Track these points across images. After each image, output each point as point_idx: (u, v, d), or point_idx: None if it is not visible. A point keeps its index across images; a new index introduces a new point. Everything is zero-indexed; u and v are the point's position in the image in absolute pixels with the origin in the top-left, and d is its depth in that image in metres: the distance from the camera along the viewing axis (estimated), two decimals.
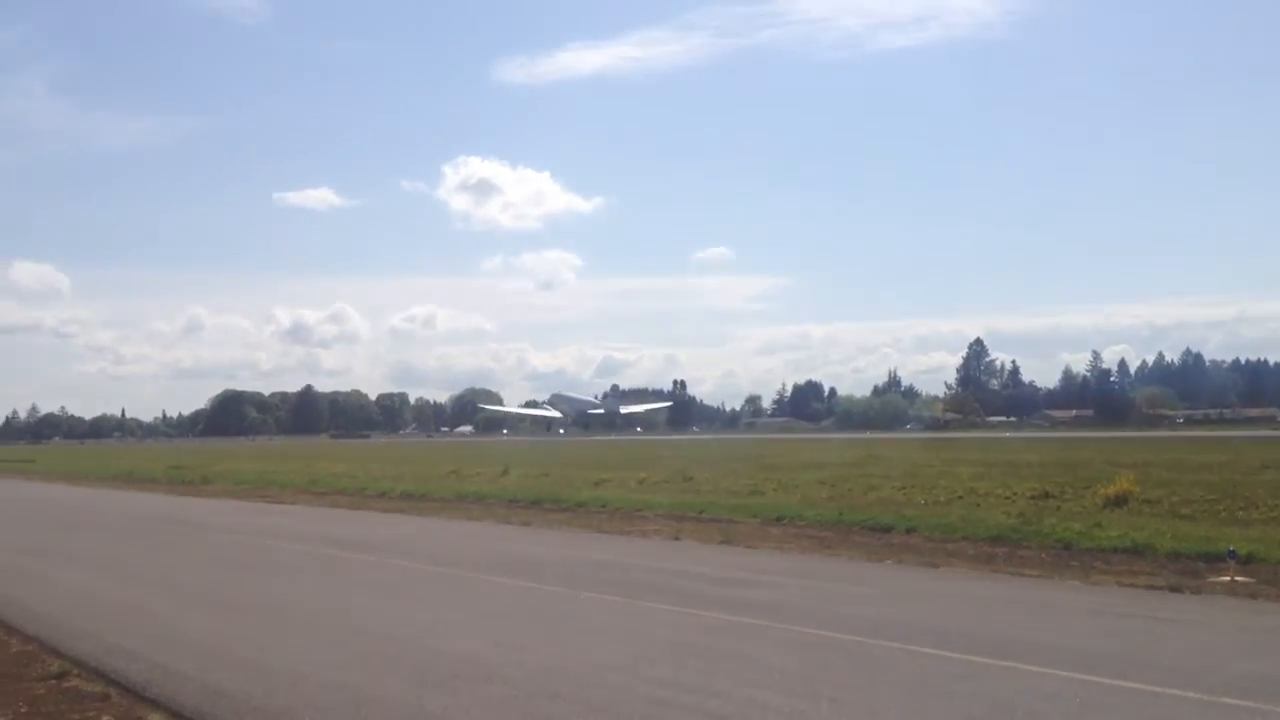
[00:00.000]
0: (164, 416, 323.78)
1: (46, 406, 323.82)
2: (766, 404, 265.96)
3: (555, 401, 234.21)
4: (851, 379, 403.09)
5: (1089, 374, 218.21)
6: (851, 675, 9.96)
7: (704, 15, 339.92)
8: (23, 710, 9.65)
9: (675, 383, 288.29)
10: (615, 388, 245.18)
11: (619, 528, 24.69)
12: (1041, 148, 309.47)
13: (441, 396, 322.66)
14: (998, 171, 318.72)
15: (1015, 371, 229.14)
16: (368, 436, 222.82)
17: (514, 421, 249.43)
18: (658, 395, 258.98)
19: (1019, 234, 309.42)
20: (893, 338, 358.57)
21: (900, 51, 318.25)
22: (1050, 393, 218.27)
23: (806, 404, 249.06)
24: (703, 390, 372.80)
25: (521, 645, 11.59)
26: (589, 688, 9.71)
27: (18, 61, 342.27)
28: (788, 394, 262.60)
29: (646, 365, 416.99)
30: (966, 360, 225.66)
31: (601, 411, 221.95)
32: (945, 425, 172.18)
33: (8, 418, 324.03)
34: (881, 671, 10.10)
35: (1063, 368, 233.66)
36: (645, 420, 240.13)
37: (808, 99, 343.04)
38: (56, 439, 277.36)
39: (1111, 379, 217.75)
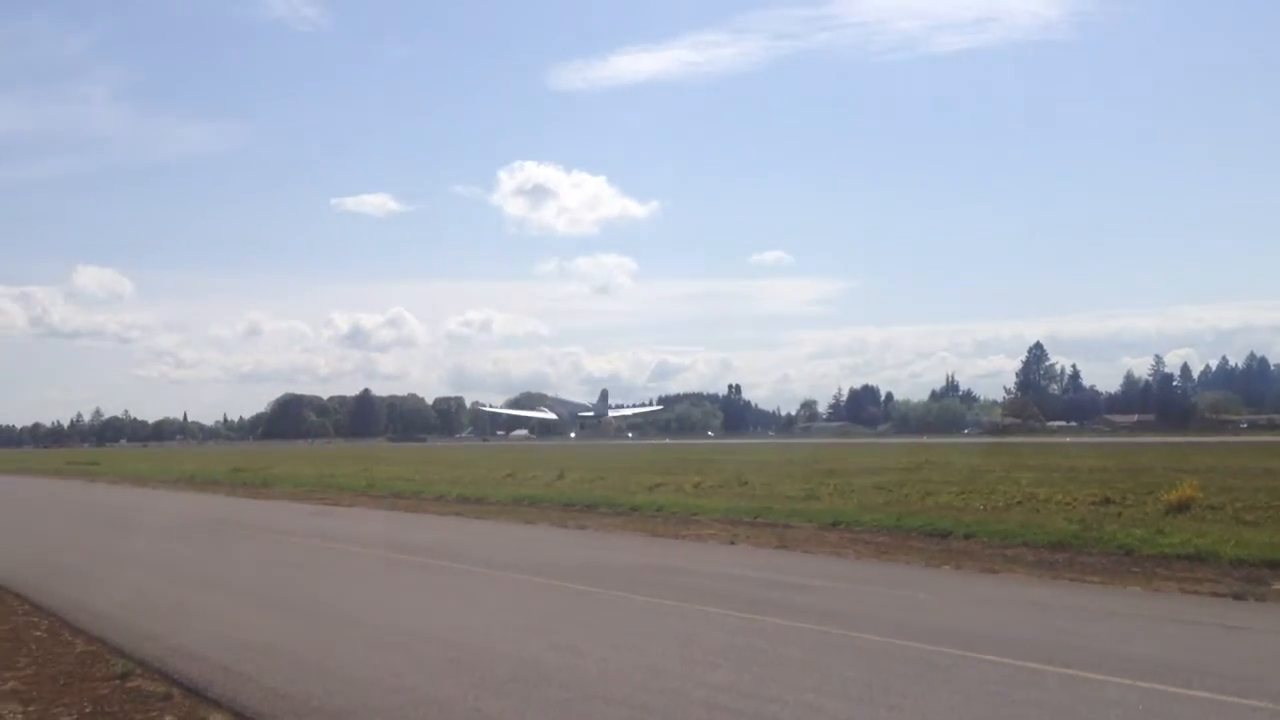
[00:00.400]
0: (225, 420, 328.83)
1: (110, 410, 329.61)
2: (822, 408, 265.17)
3: (551, 404, 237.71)
4: (908, 383, 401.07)
5: (1151, 378, 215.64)
6: (910, 682, 9.87)
7: (759, 18, 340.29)
8: (88, 710, 9.79)
9: (730, 386, 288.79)
10: (604, 394, 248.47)
11: (674, 531, 24.66)
12: (1103, 149, 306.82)
13: (497, 400, 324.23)
14: (1058, 173, 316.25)
15: (1076, 376, 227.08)
16: (424, 440, 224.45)
17: (563, 425, 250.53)
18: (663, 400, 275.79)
19: (1080, 236, 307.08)
20: (950, 341, 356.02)
21: (959, 53, 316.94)
22: (1111, 397, 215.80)
23: (863, 408, 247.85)
24: (758, 394, 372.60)
25: (577, 649, 11.61)
26: (645, 692, 9.70)
27: (82, 68, 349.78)
28: (844, 398, 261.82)
29: (701, 369, 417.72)
30: (1026, 364, 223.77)
31: (591, 414, 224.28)
32: (1004, 430, 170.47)
33: (72, 421, 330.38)
34: (941, 678, 10.01)
35: (1124, 372, 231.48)
36: (702, 423, 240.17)
37: (865, 101, 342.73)
38: (123, 441, 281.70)
39: (1174, 383, 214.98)
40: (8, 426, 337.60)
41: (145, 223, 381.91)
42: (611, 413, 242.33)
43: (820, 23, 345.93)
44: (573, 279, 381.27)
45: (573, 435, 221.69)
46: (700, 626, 12.80)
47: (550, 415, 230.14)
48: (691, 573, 17.70)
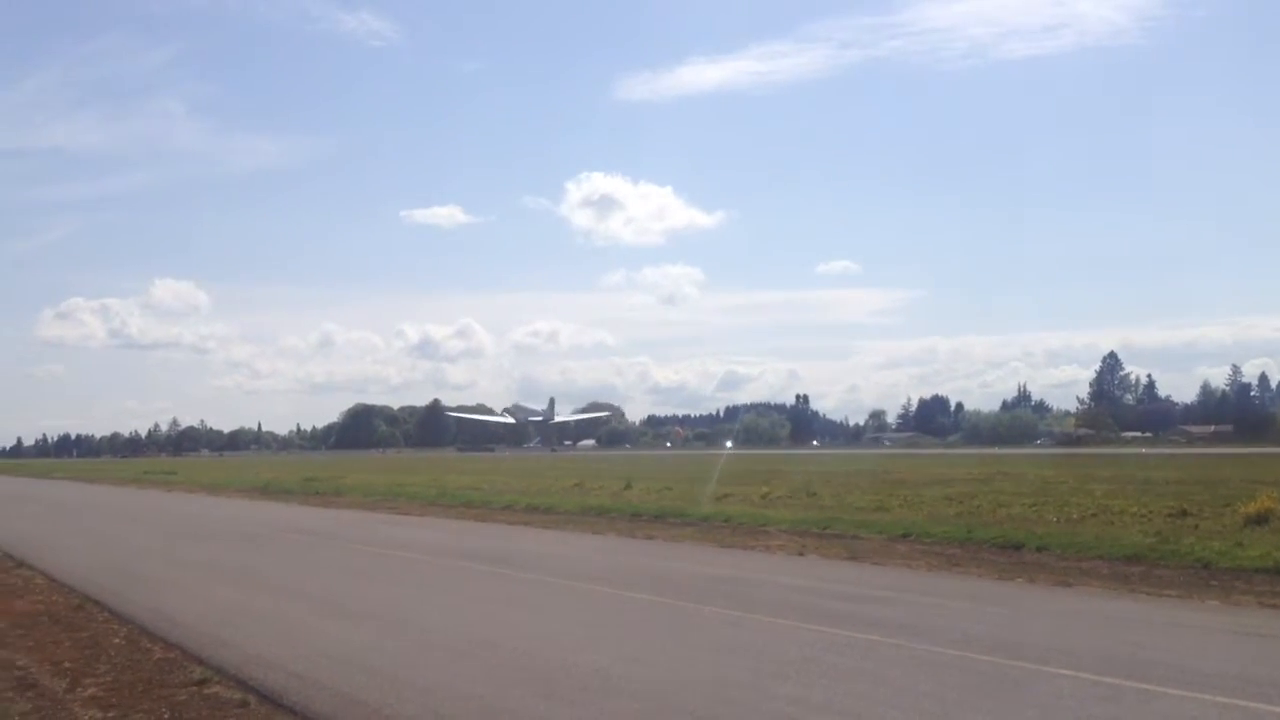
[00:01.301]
0: (298, 429, 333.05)
1: (186, 420, 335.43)
2: (891, 419, 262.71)
3: (513, 411, 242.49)
4: (979, 393, 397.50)
5: (1228, 388, 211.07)
6: (984, 696, 9.75)
7: (826, 27, 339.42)
8: (165, 716, 9.95)
9: (797, 396, 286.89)
10: (551, 401, 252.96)
11: (743, 542, 24.57)
12: (1177, 156, 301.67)
13: (565, 411, 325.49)
14: (1131, 181, 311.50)
15: (1151, 386, 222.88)
16: (492, 450, 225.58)
17: (637, 436, 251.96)
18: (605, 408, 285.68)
19: (1154, 244, 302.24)
20: (1022, 351, 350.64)
21: (1030, 60, 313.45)
22: (1187, 408, 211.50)
23: (932, 419, 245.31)
24: (825, 405, 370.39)
25: (647, 659, 11.61)
26: (715, 703, 9.67)
27: (160, 84, 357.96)
28: (913, 408, 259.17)
29: (769, 379, 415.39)
30: (1100, 374, 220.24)
31: (540, 419, 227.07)
32: (1077, 441, 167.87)
33: (150, 431, 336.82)
34: (1015, 693, 9.87)
35: (1201, 382, 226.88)
36: (769, 433, 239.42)
37: (934, 109, 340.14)
38: (205, 451, 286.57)
39: (1251, 393, 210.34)
40: (87, 436, 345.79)
41: (221, 236, 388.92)
42: (556, 418, 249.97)
43: (888, 31, 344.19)
44: (640, 289, 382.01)
45: (534, 444, 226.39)
46: (769, 638, 12.74)
47: (510, 420, 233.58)
48: (760, 584, 17.64)
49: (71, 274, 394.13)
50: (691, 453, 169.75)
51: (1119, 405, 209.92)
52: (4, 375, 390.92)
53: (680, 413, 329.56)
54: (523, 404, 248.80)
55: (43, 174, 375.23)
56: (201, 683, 11.17)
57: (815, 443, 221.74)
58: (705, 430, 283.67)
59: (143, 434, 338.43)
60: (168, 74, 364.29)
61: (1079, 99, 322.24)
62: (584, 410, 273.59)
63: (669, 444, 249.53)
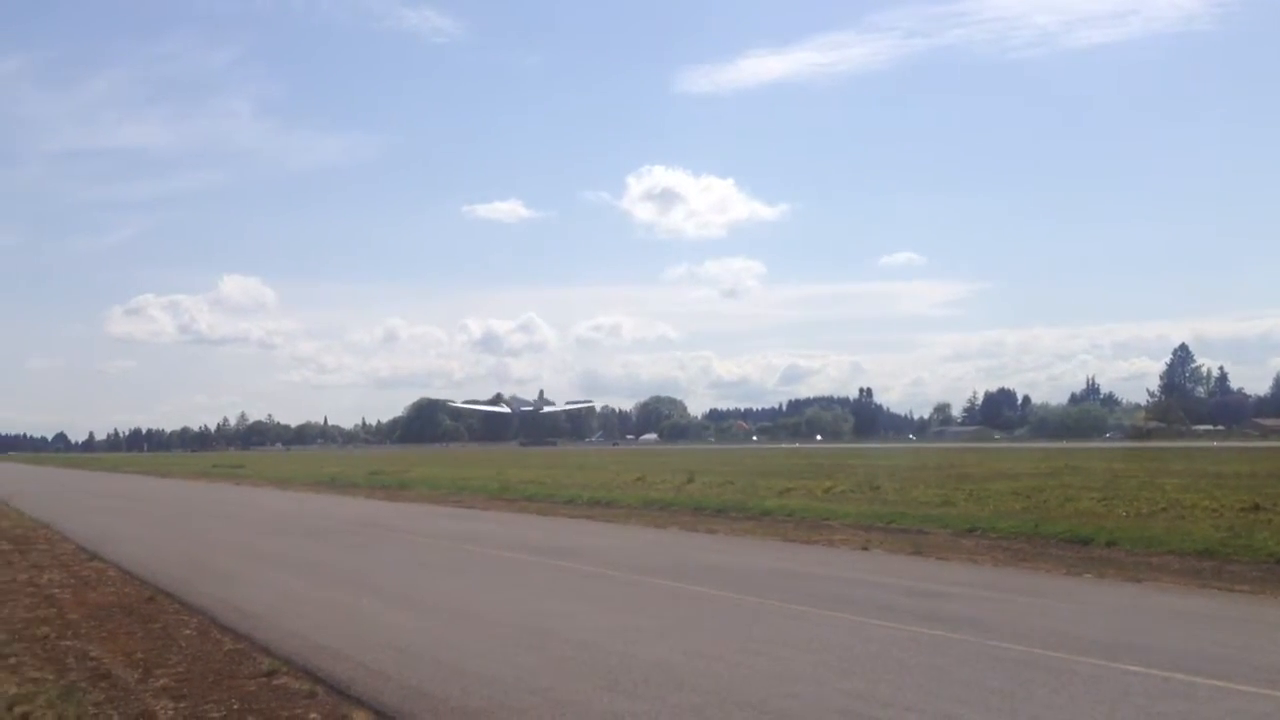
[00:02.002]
0: (363, 424, 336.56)
1: (254, 414, 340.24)
2: (957, 412, 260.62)
3: (509, 402, 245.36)
4: (1047, 386, 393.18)
5: None
6: (1053, 693, 9.62)
7: (890, 17, 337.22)
8: (236, 706, 10.08)
9: (861, 390, 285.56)
10: (541, 393, 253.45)
11: (806, 537, 24.46)
12: (1249, 143, 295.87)
13: (626, 404, 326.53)
14: (1202, 169, 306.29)
15: (1223, 378, 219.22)
16: (555, 444, 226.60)
17: (698, 431, 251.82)
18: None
19: (1227, 233, 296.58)
20: (1091, 343, 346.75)
21: (1098, 47, 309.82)
22: (1261, 400, 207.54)
23: (999, 412, 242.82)
24: (889, 398, 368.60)
25: (710, 653, 11.58)
26: (780, 698, 9.63)
27: (226, 84, 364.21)
28: (979, 402, 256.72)
29: (832, 373, 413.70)
30: (1170, 366, 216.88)
31: (530, 409, 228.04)
32: (1147, 435, 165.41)
33: (219, 425, 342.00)
34: (1084, 689, 9.73)
35: (1275, 374, 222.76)
36: (832, 427, 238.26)
37: (1000, 98, 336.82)
38: (279, 445, 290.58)
39: None
40: (158, 431, 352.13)
41: (287, 232, 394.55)
42: (545, 409, 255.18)
43: (953, 19, 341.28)
44: (702, 283, 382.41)
45: (596, 438, 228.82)
46: (834, 633, 12.67)
47: (505, 409, 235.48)
48: (824, 578, 17.55)
49: (141, 271, 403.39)
50: (754, 447, 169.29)
51: (1190, 398, 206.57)
52: (76, 371, 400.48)
53: (742, 406, 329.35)
54: (519, 395, 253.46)
55: (112, 173, 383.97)
56: (270, 673, 11.31)
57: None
58: (768, 424, 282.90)
59: (212, 428, 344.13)
60: (233, 73, 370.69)
61: (1148, 86, 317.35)
62: (574, 402, 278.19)
63: (755, 438, 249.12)
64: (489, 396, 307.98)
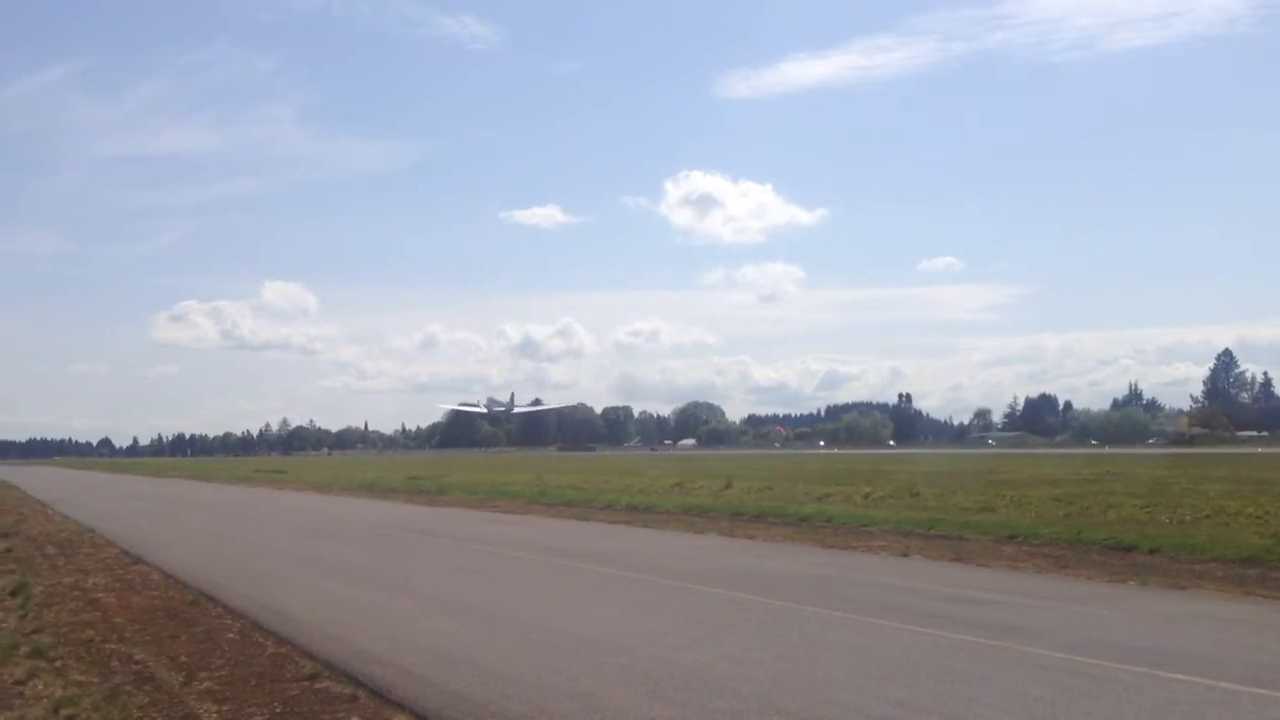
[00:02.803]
0: (403, 429, 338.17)
1: (296, 419, 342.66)
2: (997, 418, 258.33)
3: (488, 404, 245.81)
4: (1088, 392, 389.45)
5: None
6: (1095, 701, 9.54)
7: (930, 20, 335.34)
8: (279, 710, 10.17)
9: (900, 395, 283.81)
10: (512, 396, 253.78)
11: (845, 543, 24.36)
12: None
13: (664, 409, 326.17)
14: (1246, 172, 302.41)
15: (1268, 384, 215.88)
16: (593, 449, 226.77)
17: (736, 437, 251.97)
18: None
19: (1271, 238, 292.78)
20: (1133, 348, 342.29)
21: (1140, 50, 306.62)
22: None
23: (1040, 418, 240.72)
24: (929, 404, 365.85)
25: (749, 659, 11.57)
26: (819, 704, 9.60)
27: (268, 91, 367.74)
28: (1019, 407, 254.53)
29: (870, 379, 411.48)
30: (1214, 372, 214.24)
31: (502, 410, 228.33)
32: (1191, 441, 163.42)
33: (261, 430, 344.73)
34: (1126, 698, 9.64)
35: None
36: (871, 433, 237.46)
37: (1040, 101, 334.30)
38: (326, 450, 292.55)
39: None
40: (201, 435, 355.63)
41: (328, 239, 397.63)
42: (515, 409, 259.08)
43: (994, 22, 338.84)
44: (739, 288, 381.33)
45: (634, 443, 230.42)
46: (874, 639, 12.61)
47: (480, 409, 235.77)
48: (864, 584, 17.48)
49: (185, 277, 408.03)
50: (792, 452, 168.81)
51: (1234, 404, 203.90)
52: (121, 377, 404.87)
53: (780, 412, 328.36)
54: (495, 398, 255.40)
55: (157, 179, 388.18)
56: (312, 677, 11.39)
57: (892, 443, 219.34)
58: (806, 429, 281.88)
59: (254, 433, 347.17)
60: (276, 80, 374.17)
61: (1190, 90, 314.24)
62: (534, 404, 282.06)
63: (777, 444, 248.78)
64: (529, 401, 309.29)
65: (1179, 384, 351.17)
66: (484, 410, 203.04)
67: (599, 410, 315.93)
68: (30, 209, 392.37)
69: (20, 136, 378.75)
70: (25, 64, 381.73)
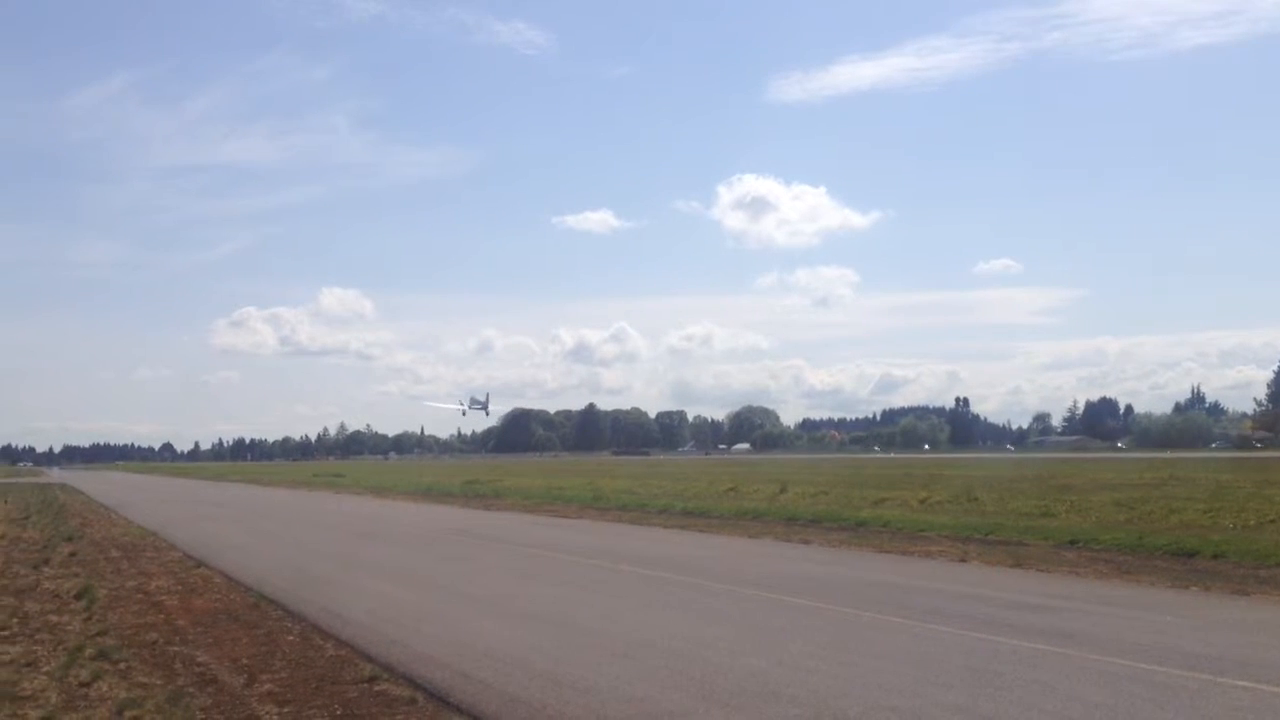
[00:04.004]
0: (459, 434, 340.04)
1: (353, 424, 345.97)
2: (1056, 422, 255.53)
3: (469, 404, 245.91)
4: (1150, 395, 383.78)
5: None
6: (1157, 708, 9.41)
7: (986, 20, 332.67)
8: (338, 712, 10.26)
9: (957, 399, 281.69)
10: (487, 396, 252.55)
11: (901, 548, 24.19)
12: None
13: (718, 414, 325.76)
14: None
15: None
16: (647, 454, 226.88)
17: (790, 441, 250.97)
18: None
19: None
20: (1196, 351, 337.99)
21: (1201, 49, 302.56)
22: None
23: (1100, 422, 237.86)
24: (986, 408, 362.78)
25: (805, 665, 11.52)
26: (876, 710, 9.54)
27: (325, 100, 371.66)
28: (1079, 411, 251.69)
29: (927, 382, 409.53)
30: (1279, 374, 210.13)
31: (480, 407, 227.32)
32: (1255, 444, 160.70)
33: (319, 435, 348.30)
34: (1189, 705, 9.50)
35: None
36: (928, 437, 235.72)
37: (1100, 101, 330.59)
38: (392, 455, 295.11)
39: None
40: (260, 440, 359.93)
41: (384, 245, 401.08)
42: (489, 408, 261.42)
43: (1051, 22, 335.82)
44: (793, 292, 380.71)
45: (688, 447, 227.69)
46: (932, 645, 12.52)
47: (460, 407, 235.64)
48: (921, 590, 17.34)
49: (244, 284, 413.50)
50: (846, 456, 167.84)
51: None
52: (182, 382, 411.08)
53: (835, 416, 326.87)
54: (475, 397, 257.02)
55: (216, 188, 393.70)
56: (371, 680, 11.49)
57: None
58: (861, 434, 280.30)
59: (312, 438, 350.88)
60: (332, 89, 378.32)
61: (1252, 88, 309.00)
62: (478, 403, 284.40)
63: (836, 442, 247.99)
64: (582, 406, 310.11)
65: (1242, 387, 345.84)
66: (464, 410, 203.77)
67: (653, 415, 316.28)
68: (93, 217, 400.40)
69: (83, 146, 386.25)
70: (87, 75, 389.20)
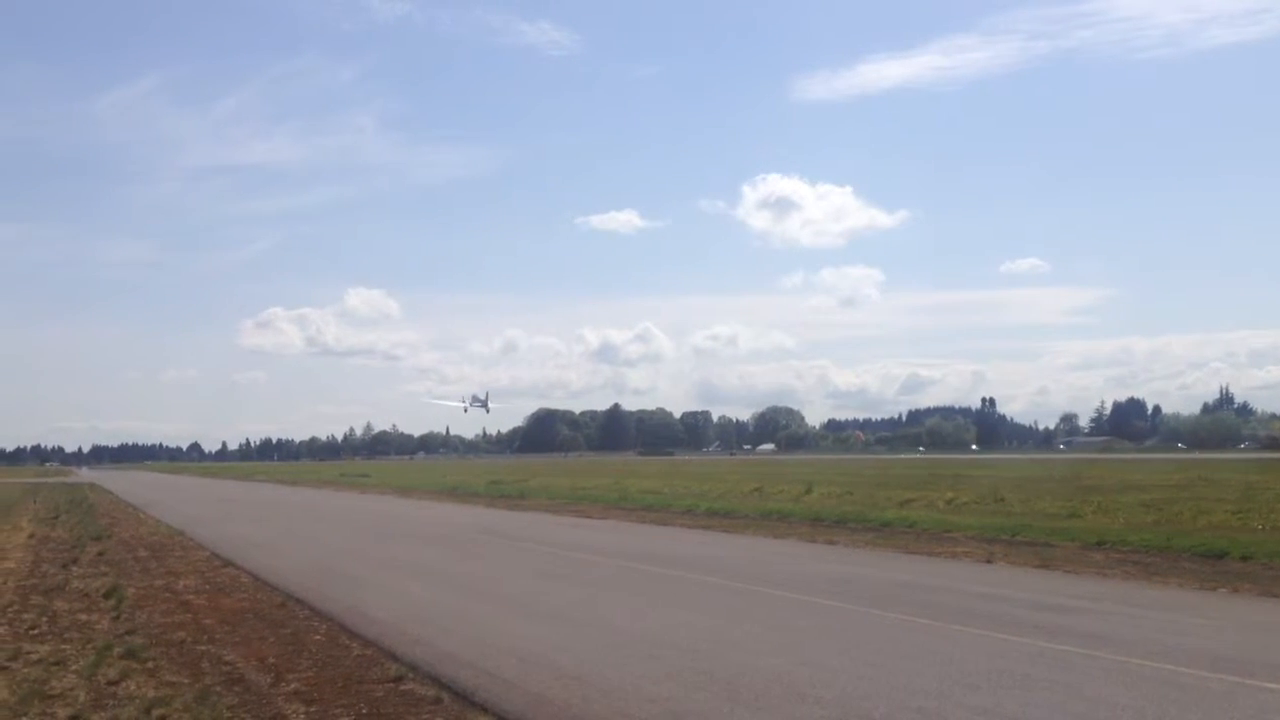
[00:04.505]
0: (484, 434, 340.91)
1: (379, 424, 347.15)
2: (1083, 422, 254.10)
3: (471, 401, 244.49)
4: (1178, 396, 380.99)
5: None
6: (1185, 711, 9.34)
7: (1013, 19, 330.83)
8: (364, 711, 10.30)
9: (983, 400, 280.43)
10: (486, 394, 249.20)
11: (927, 549, 24.10)
12: None
13: (743, 414, 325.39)
14: None
15: None
16: (672, 454, 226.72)
17: (816, 441, 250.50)
18: None
19: None
20: (1225, 351, 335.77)
21: (1230, 47, 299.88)
22: None
23: (1128, 422, 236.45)
24: (1013, 408, 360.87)
25: (830, 665, 11.50)
26: (902, 711, 9.52)
27: (351, 101, 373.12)
28: (1107, 411, 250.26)
29: (953, 382, 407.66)
30: None
31: (480, 405, 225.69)
32: None
33: (345, 435, 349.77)
34: (1218, 708, 9.43)
35: None
36: (953, 437, 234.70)
37: (1127, 100, 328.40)
38: (422, 454, 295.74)
39: None
40: (287, 440, 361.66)
41: (409, 246, 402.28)
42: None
43: (1079, 20, 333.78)
44: (818, 291, 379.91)
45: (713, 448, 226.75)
46: (958, 647, 12.47)
47: (462, 404, 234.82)
48: (947, 591, 17.28)
49: (271, 285, 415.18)
50: (872, 457, 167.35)
51: None
52: (210, 383, 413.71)
53: (861, 416, 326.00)
54: (477, 395, 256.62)
55: (244, 189, 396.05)
56: (397, 679, 11.53)
57: (975, 447, 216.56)
58: (887, 434, 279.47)
59: (338, 438, 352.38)
60: (358, 90, 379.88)
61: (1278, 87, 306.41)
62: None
63: (859, 441, 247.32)
64: (607, 406, 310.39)
65: (1272, 387, 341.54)
66: (465, 407, 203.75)
67: (678, 415, 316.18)
68: (122, 218, 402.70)
69: (113, 146, 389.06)
70: (117, 76, 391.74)
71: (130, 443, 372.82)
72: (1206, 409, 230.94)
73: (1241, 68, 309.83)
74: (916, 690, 10.28)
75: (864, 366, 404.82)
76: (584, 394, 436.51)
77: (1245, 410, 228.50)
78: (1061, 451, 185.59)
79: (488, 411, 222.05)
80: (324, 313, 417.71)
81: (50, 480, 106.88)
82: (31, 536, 31.33)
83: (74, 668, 12.24)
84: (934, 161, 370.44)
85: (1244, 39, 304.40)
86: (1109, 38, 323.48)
